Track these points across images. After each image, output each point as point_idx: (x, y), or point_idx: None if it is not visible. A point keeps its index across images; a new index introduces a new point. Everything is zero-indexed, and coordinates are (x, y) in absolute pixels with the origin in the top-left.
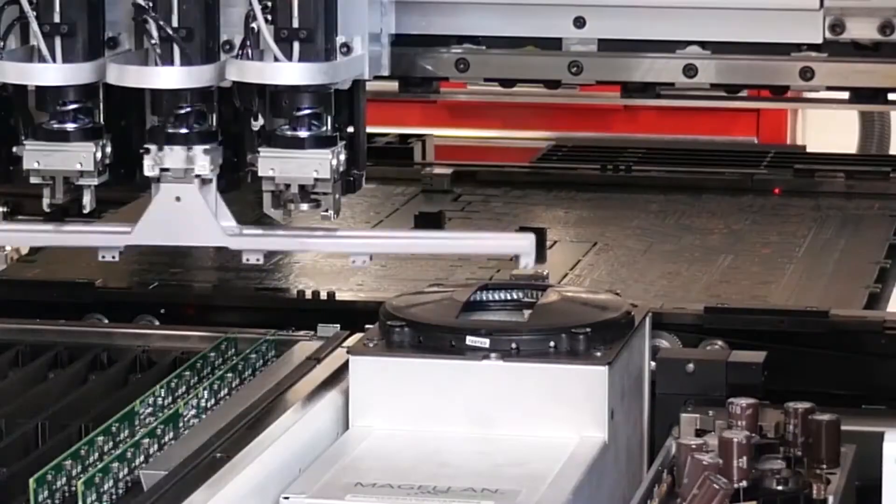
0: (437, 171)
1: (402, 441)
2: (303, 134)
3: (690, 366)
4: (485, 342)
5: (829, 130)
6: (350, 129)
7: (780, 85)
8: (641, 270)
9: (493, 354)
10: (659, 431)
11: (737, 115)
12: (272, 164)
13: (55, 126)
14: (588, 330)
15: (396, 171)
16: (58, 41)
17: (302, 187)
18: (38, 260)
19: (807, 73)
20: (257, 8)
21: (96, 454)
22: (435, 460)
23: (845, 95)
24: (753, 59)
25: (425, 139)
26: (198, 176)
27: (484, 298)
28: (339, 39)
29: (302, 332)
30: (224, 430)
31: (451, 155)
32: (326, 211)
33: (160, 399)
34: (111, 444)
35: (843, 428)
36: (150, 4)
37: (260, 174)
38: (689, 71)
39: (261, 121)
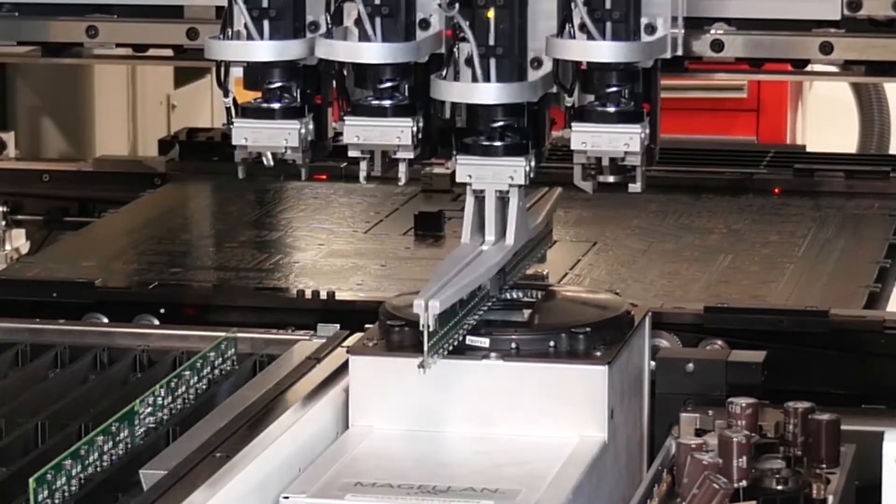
0: (437, 170)
1: (402, 441)
2: (612, 109)
3: (690, 365)
4: (485, 342)
5: (829, 130)
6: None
7: (801, 59)
8: (641, 270)
9: (493, 354)
10: (659, 431)
11: (737, 115)
12: (584, 138)
13: (374, 103)
14: (588, 330)
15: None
16: (377, 21)
17: (612, 160)
18: (37, 260)
19: (826, 48)
20: None
21: (96, 454)
22: (435, 460)
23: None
24: (776, 34)
25: None
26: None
27: None
28: (643, 20)
29: (302, 332)
30: (224, 430)
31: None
32: (635, 183)
33: (160, 399)
34: (111, 443)
35: (843, 428)
36: None
37: (572, 148)
38: (716, 46)
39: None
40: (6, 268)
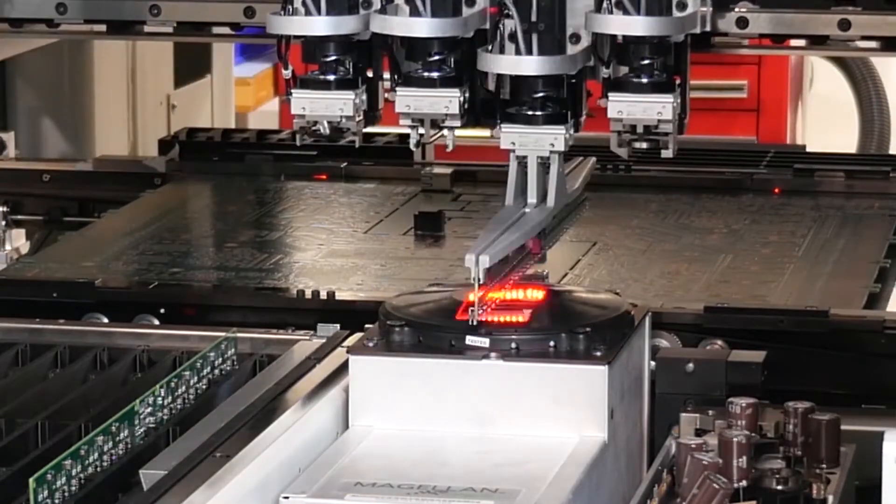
0: (437, 170)
1: (402, 441)
2: (645, 80)
3: (690, 365)
4: (484, 342)
5: (829, 130)
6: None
7: (821, 35)
8: (641, 270)
9: (492, 354)
10: (659, 431)
11: (737, 115)
12: (620, 107)
13: (424, 74)
14: (588, 329)
15: (396, 171)
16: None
17: (646, 127)
18: (37, 260)
19: (844, 25)
20: None
21: (96, 454)
22: (435, 460)
23: None
24: (797, 12)
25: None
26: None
27: None
28: None
29: (302, 332)
30: (224, 430)
31: (451, 155)
32: (667, 148)
33: (160, 399)
34: (111, 443)
35: (843, 428)
36: None
37: (609, 116)
38: (741, 23)
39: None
40: (6, 268)
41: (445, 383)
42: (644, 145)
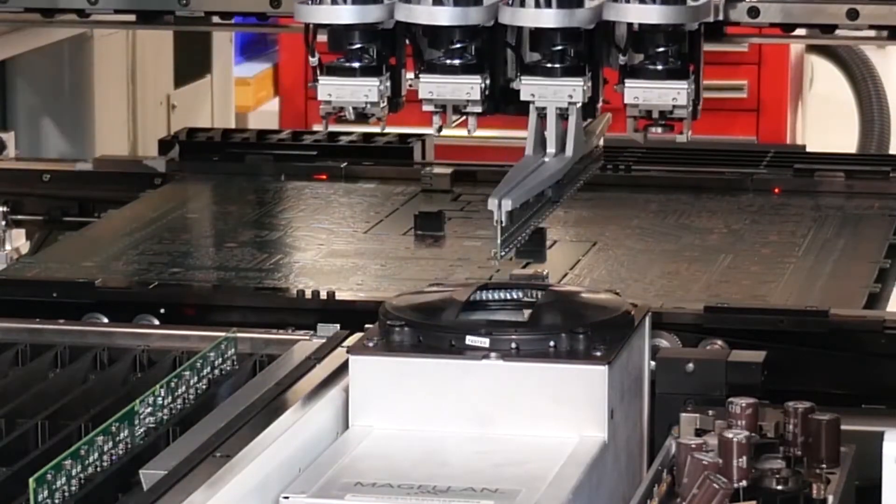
0: (437, 170)
1: (402, 441)
2: (661, 67)
3: (690, 365)
4: (484, 342)
5: (829, 130)
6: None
7: (830, 24)
8: (641, 270)
9: (492, 354)
10: (659, 431)
11: (737, 115)
12: (636, 93)
13: (447, 62)
14: (588, 329)
15: (396, 171)
16: None
17: (661, 113)
18: (37, 260)
19: (852, 14)
20: None
21: (96, 454)
22: (435, 460)
23: None
24: (807, 1)
25: (425, 139)
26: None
27: (484, 298)
28: None
29: (302, 332)
30: (224, 430)
31: (451, 155)
32: (682, 133)
33: (160, 399)
34: (111, 443)
35: (843, 428)
36: None
37: (625, 102)
38: (753, 13)
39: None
40: (6, 268)
41: (445, 383)
42: (659, 130)
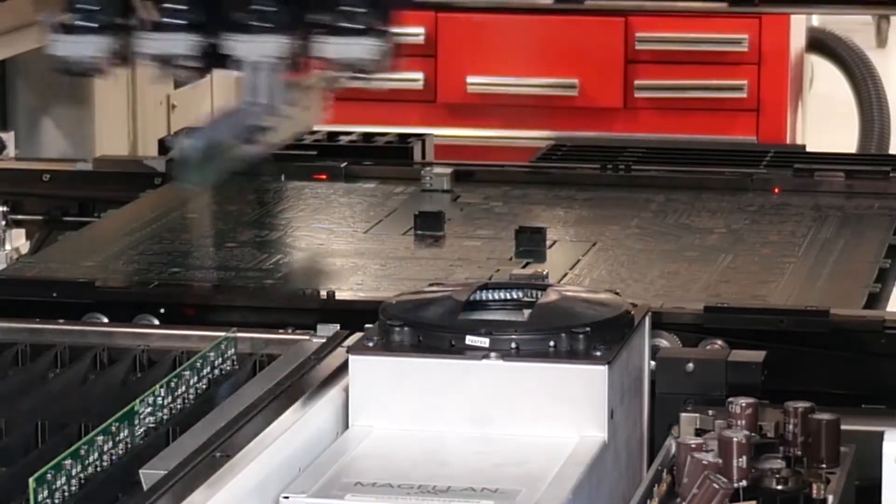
0: (437, 170)
1: (402, 441)
2: (356, 25)
3: (690, 365)
4: (484, 342)
5: (829, 130)
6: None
7: None
8: (641, 270)
9: (492, 354)
10: (659, 431)
11: (737, 115)
12: (332, 48)
13: (165, 20)
14: (588, 329)
15: (396, 171)
16: None
17: (353, 65)
18: (37, 260)
19: None
20: None
21: (96, 454)
22: (435, 460)
23: None
24: None
25: (425, 139)
26: None
27: (483, 298)
28: None
29: (302, 332)
30: (224, 430)
31: (451, 155)
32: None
33: (160, 399)
34: (111, 443)
35: (843, 428)
36: None
37: (324, 56)
38: None
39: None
40: (6, 268)
41: (445, 383)
42: (353, 83)
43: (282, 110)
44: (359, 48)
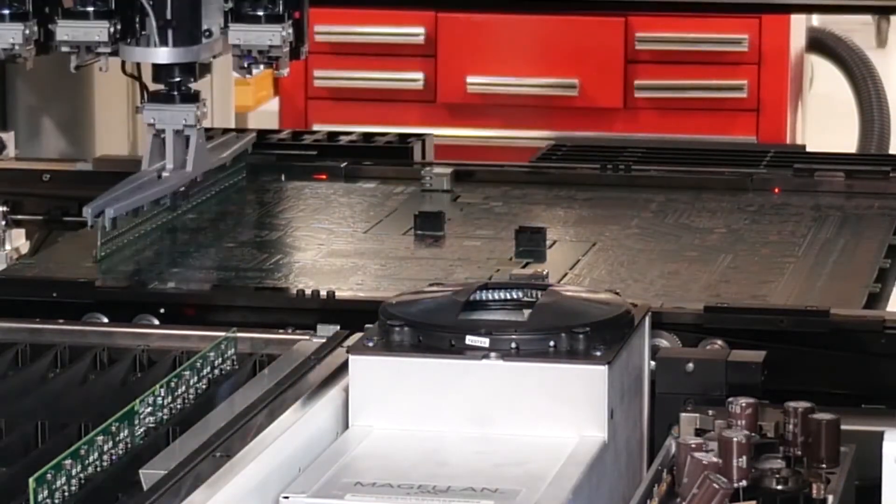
0: (437, 170)
1: (402, 441)
2: (261, 13)
3: (690, 365)
4: (484, 341)
5: (829, 130)
6: (297, 14)
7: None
8: (641, 270)
9: (492, 354)
10: (659, 431)
11: (737, 115)
12: (239, 35)
13: (79, 7)
14: (588, 329)
15: (396, 171)
16: None
17: (261, 52)
18: (37, 260)
19: None
20: None
21: (96, 454)
22: (435, 460)
23: None
24: None
25: (425, 139)
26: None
27: (483, 298)
28: None
29: (302, 332)
30: (224, 430)
31: (451, 154)
32: (280, 70)
33: (160, 399)
34: (111, 443)
35: (843, 428)
36: None
37: (230, 42)
38: None
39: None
40: (6, 268)
41: (445, 383)
42: (262, 67)
43: (198, 170)
44: (264, 35)
